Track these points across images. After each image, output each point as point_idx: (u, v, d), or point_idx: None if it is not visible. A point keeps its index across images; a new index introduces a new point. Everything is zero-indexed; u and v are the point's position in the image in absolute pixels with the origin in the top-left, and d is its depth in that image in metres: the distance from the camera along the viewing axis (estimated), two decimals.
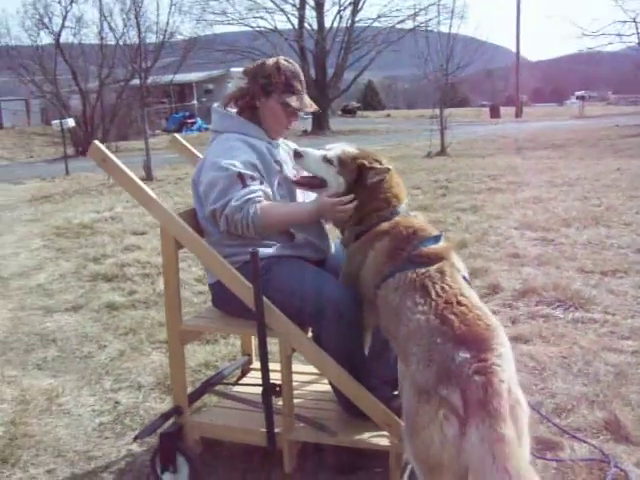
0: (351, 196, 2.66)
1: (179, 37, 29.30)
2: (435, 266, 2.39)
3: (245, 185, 2.72)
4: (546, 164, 13.43)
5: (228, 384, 3.28)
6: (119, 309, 5.34)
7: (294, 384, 2.92)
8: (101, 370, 4.23)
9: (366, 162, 2.69)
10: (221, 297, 2.88)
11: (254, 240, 2.75)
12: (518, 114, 41.25)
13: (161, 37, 24.52)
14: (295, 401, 2.89)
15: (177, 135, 3.62)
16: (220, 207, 2.71)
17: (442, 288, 2.32)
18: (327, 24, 33.61)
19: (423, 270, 2.38)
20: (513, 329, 4.42)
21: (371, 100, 64.49)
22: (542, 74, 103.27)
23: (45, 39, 27.66)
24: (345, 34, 33.31)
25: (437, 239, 2.54)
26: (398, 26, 32.91)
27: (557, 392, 3.50)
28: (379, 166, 2.70)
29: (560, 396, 3.45)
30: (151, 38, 23.56)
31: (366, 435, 2.71)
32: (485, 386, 2.02)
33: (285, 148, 3.12)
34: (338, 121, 39.37)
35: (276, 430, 2.74)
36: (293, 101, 2.91)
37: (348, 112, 48.11)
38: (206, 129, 35.25)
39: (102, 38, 25.91)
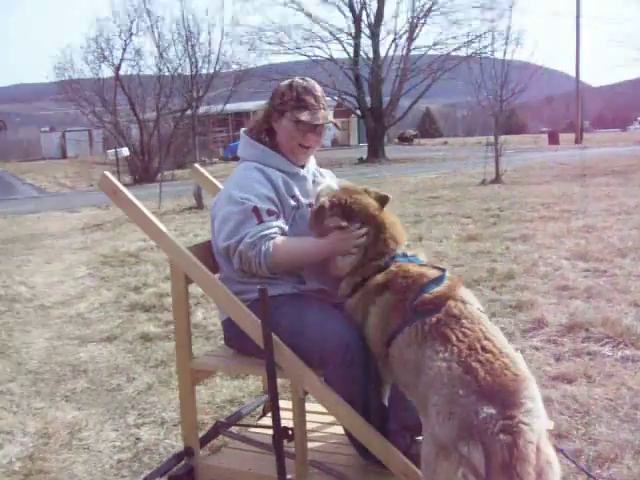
0: (364, 230, 2.51)
1: (234, 67, 29.66)
2: (443, 310, 2.22)
3: (261, 220, 2.59)
4: (604, 191, 12.98)
5: (243, 425, 3.13)
6: (153, 340, 5.29)
7: (309, 426, 2.76)
8: (127, 404, 4.15)
9: (326, 201, 2.55)
10: (233, 335, 2.75)
11: (266, 279, 2.62)
12: (578, 140, 40.34)
13: (215, 68, 24.84)
14: (310, 445, 2.73)
15: (197, 165, 3.53)
16: (234, 243, 2.59)
17: (463, 333, 2.15)
18: (382, 52, 33.60)
19: (434, 318, 2.21)
20: (556, 367, 4.18)
21: (429, 128, 64.29)
22: (604, 99, 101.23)
23: (106, 72, 28.44)
24: (400, 62, 33.20)
25: (439, 280, 2.36)
26: (453, 53, 32.64)
27: (600, 439, 3.25)
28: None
29: (603, 443, 3.20)
30: (206, 68, 23.89)
31: None
32: (511, 448, 1.85)
33: (318, 179, 2.97)
34: (395, 149, 39.24)
35: (289, 477, 2.58)
36: (304, 115, 2.73)
37: (405, 140, 47.97)
38: None
39: (159, 69, 26.49)
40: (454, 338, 2.13)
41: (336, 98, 34.74)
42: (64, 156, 41.52)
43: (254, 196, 2.63)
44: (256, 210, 2.59)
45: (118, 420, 3.93)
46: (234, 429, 3.04)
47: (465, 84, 21.10)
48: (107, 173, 2.74)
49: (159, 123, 26.53)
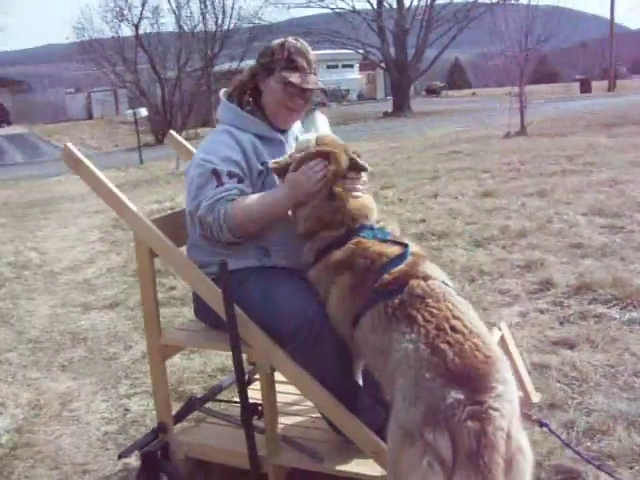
0: (320, 162, 2.37)
1: (256, 22, 29.22)
2: (406, 290, 2.09)
3: (220, 183, 2.44)
4: (631, 142, 12.57)
5: (217, 400, 3.05)
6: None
7: (283, 402, 2.68)
8: (121, 373, 4.12)
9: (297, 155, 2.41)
10: (200, 307, 2.65)
11: (230, 248, 2.51)
12: (611, 88, 39.22)
13: (232, 24, 24.48)
14: (283, 421, 2.66)
15: (172, 132, 3.41)
16: (194, 208, 2.46)
17: (430, 312, 2.01)
18: (407, 2, 32.81)
19: (396, 300, 2.08)
20: (559, 331, 4.05)
21: (457, 79, 63.05)
22: None
23: (125, 31, 28.22)
24: (425, 12, 32.41)
25: (401, 258, 2.21)
26: (480, 0, 31.70)
27: (595, 409, 3.12)
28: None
29: (597, 414, 3.06)
30: (226, 24, 23.54)
31: (355, 462, 2.44)
32: (478, 435, 1.74)
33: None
34: (421, 101, 38.61)
35: (260, 454, 2.52)
36: (294, 77, 2.55)
37: (432, 92, 47.18)
38: None
39: (179, 27, 26.20)
40: (420, 319, 2.00)
41: (360, 51, 34.17)
42: (90, 117, 41.62)
43: (216, 158, 2.48)
44: (216, 172, 2.45)
45: (110, 390, 3.91)
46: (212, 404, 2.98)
47: (488, 33, 20.51)
48: (69, 144, 2.65)
49: (180, 81, 26.36)
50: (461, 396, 1.79)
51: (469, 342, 1.91)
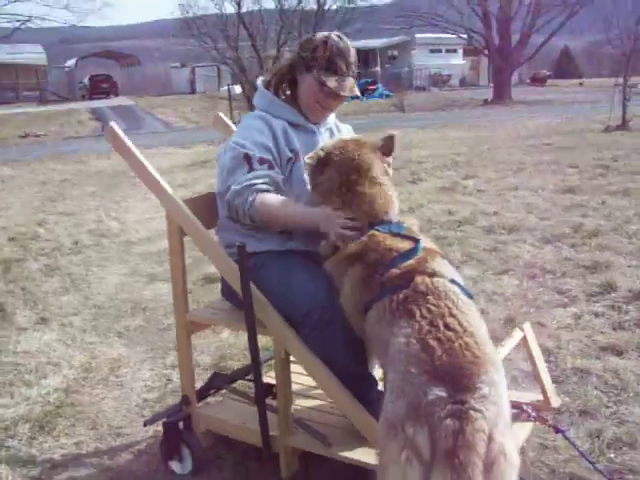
0: (357, 223, 2.35)
1: (360, 3, 29.11)
2: (412, 286, 2.09)
3: (251, 168, 2.52)
4: None
5: (237, 378, 3.12)
6: (213, 282, 5.38)
7: (301, 384, 2.74)
8: (171, 344, 4.26)
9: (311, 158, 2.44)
10: (227, 288, 2.73)
11: (256, 230, 2.58)
12: None
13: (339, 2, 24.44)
14: (299, 403, 2.72)
15: (221, 114, 3.49)
16: (224, 190, 2.56)
17: (427, 309, 2.01)
18: None
19: (401, 295, 2.08)
20: (610, 337, 3.92)
21: (566, 67, 60.86)
22: None
23: (228, 8, 28.66)
24: None
25: (412, 253, 2.20)
26: None
27: (627, 420, 3.02)
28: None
29: (628, 426, 2.97)
30: (328, 4, 23.55)
31: (362, 451, 2.46)
32: (456, 434, 1.73)
33: (335, 135, 2.86)
34: (524, 90, 37.56)
35: (272, 433, 2.59)
36: (331, 81, 2.59)
37: (537, 80, 45.77)
38: (387, 96, 35.10)
39: (281, 4, 26.38)
40: (418, 315, 2.00)
41: (463, 36, 33.47)
42: (193, 91, 42.72)
43: (249, 143, 2.56)
44: (247, 157, 2.52)
45: (157, 360, 4.07)
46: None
47: (600, 19, 19.67)
48: (112, 123, 2.75)
49: (280, 59, 26.59)
50: (443, 394, 1.78)
51: (461, 341, 1.89)
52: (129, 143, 2.72)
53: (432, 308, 2.01)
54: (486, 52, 33.34)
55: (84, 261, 6.28)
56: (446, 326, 1.94)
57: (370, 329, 2.23)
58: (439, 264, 2.20)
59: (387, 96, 35.06)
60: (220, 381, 2.94)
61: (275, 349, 2.56)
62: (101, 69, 49.18)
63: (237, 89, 17.47)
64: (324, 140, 2.77)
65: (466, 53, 46.14)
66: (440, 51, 45.51)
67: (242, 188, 2.48)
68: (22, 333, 4.53)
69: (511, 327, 4.06)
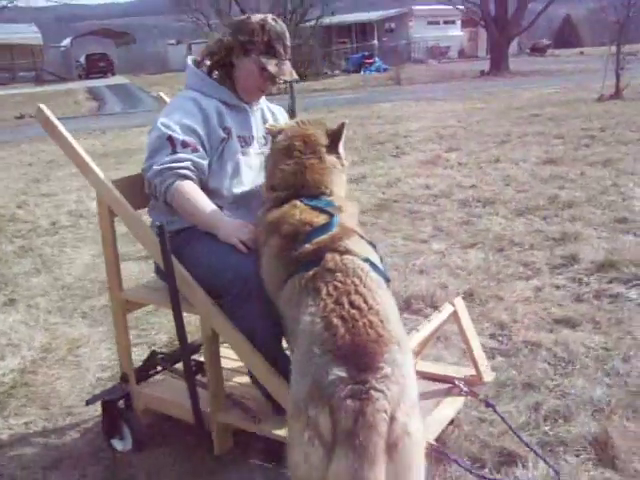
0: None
1: None
2: (322, 263, 2.07)
3: (174, 151, 2.53)
4: None
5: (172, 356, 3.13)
6: None
7: (237, 361, 2.75)
8: (132, 324, 4.27)
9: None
10: (160, 267, 2.73)
11: None
12: None
13: None
14: (234, 379, 2.74)
15: (162, 93, 3.47)
16: (146, 168, 2.58)
17: (334, 286, 1.98)
18: None
19: (311, 272, 2.06)
20: (566, 309, 3.92)
21: (568, 36, 60.23)
22: None
23: None
24: None
25: (326, 228, 2.17)
26: None
27: (569, 392, 3.02)
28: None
29: (569, 398, 2.97)
30: None
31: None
32: (357, 414, 1.71)
33: (267, 116, 2.90)
34: (523, 61, 37.21)
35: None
36: (271, 65, 2.63)
37: (537, 50, 45.31)
38: (385, 70, 34.83)
39: None
40: (324, 292, 1.97)
41: (460, 7, 33.10)
42: None
43: (175, 124, 2.57)
44: (170, 139, 2.54)
45: None
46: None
47: None
48: (42, 106, 2.74)
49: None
50: (344, 374, 1.76)
51: (365, 319, 1.86)
52: (58, 124, 2.71)
53: (339, 285, 1.98)
54: (482, 23, 32.96)
55: (59, 242, 6.28)
56: (351, 304, 1.91)
57: (283, 307, 2.21)
58: (354, 242, 2.17)
59: (385, 70, 34.80)
60: (158, 360, 2.95)
61: (202, 326, 2.56)
62: (98, 48, 48.81)
63: None
64: (256, 119, 2.82)
65: (464, 24, 45.67)
66: (438, 23, 45.08)
67: (163, 169, 2.51)
68: None
69: (470, 301, 4.09)
